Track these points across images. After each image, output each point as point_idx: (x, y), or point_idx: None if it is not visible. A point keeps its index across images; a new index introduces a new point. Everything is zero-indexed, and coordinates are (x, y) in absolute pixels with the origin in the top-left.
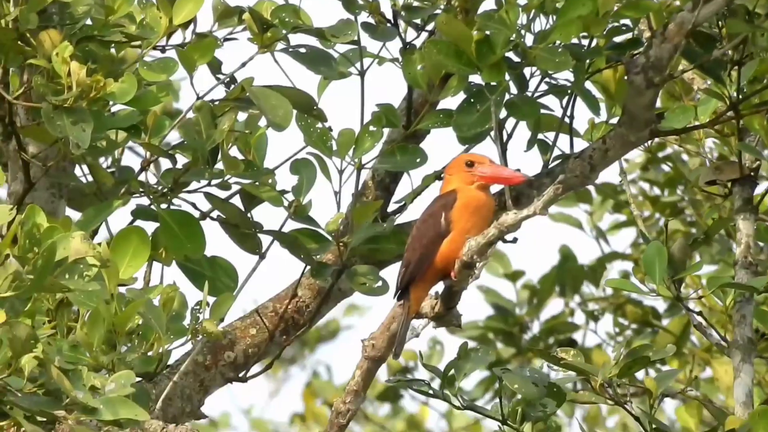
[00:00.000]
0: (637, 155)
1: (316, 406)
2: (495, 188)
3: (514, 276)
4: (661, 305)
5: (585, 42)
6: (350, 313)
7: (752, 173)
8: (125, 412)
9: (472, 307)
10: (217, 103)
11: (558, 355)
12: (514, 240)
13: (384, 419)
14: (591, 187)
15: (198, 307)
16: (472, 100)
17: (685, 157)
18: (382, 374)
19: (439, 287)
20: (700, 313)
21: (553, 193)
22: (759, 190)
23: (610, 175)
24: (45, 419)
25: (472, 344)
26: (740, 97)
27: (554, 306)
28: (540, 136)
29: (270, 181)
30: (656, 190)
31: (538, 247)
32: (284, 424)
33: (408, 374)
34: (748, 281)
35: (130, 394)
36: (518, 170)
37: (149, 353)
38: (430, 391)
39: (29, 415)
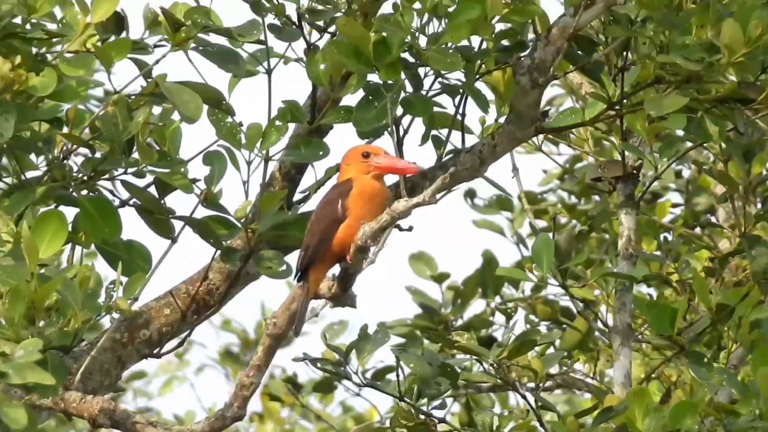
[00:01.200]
0: (553, 167)
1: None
2: (392, 179)
3: (440, 278)
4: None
5: (475, 44)
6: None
7: (634, 171)
8: (33, 377)
9: (401, 305)
10: (133, 97)
11: (453, 339)
12: (410, 228)
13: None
14: (514, 196)
15: (112, 286)
16: (370, 98)
17: None
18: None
19: (336, 270)
20: (583, 300)
21: (440, 183)
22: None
23: (530, 184)
24: None
25: (371, 328)
26: (623, 99)
27: (477, 306)
28: (434, 132)
29: (183, 170)
30: (573, 199)
31: (462, 252)
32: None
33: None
34: (628, 271)
35: (49, 363)
36: (413, 162)
37: (66, 328)
38: (333, 370)
39: None
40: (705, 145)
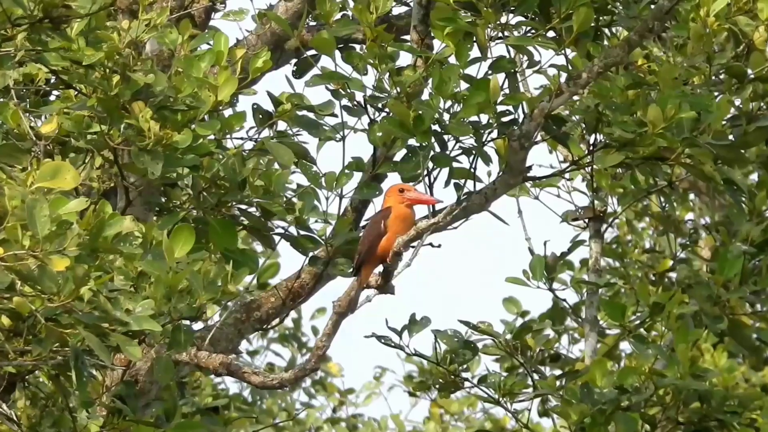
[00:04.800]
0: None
1: None
2: (422, 209)
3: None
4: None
5: (484, 120)
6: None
7: (601, 214)
8: (147, 325)
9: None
10: (246, 152)
11: (476, 324)
12: (439, 245)
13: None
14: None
15: (226, 276)
16: (409, 155)
17: None
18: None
19: (380, 269)
20: (564, 300)
21: (449, 209)
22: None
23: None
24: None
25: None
26: (580, 159)
27: None
28: (455, 181)
29: (280, 201)
30: None
31: None
32: None
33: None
34: (595, 280)
35: (181, 329)
36: (435, 197)
37: (193, 305)
38: (392, 344)
39: (87, 327)
40: (648, 198)
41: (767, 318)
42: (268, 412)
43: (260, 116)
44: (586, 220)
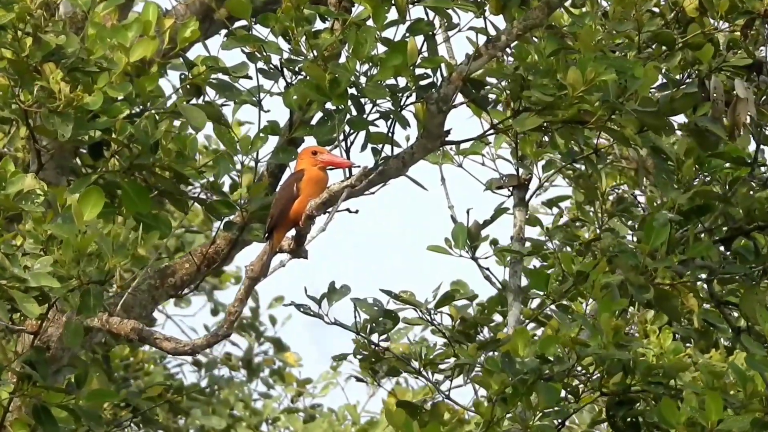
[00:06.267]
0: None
1: None
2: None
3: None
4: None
5: (402, 84)
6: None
7: (526, 182)
8: (45, 281)
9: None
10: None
11: (398, 294)
12: (356, 211)
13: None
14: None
15: (136, 239)
16: (325, 118)
17: None
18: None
19: (293, 233)
20: (487, 269)
21: (364, 171)
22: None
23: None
24: None
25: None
26: (500, 122)
27: None
28: (374, 145)
29: (195, 164)
30: None
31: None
32: None
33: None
34: (518, 248)
35: (91, 292)
36: (349, 160)
37: (103, 269)
38: (311, 312)
39: None
40: (572, 165)
41: (696, 289)
42: (224, 403)
43: (188, 86)
44: (511, 188)
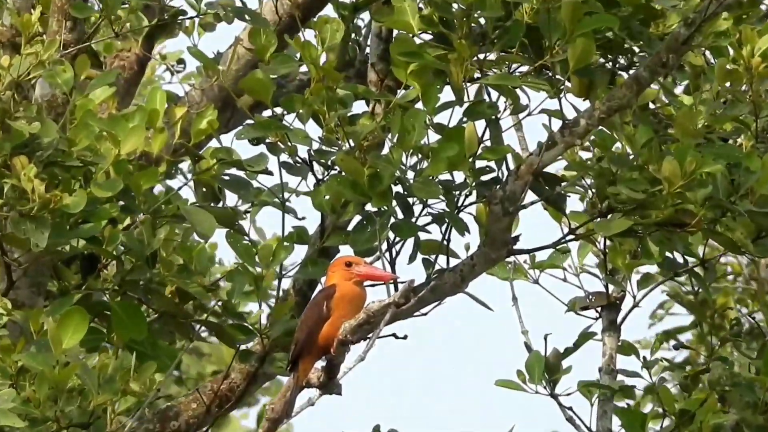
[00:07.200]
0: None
1: None
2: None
3: None
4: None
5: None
6: None
7: (617, 301)
8: (6, 421)
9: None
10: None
11: None
12: (405, 337)
13: None
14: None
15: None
16: (364, 222)
17: None
18: None
19: (322, 363)
20: (570, 408)
21: (409, 286)
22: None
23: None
24: None
25: None
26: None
27: None
28: (425, 256)
29: (203, 281)
30: None
31: None
32: None
33: None
34: (608, 383)
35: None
36: (395, 275)
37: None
38: None
39: None
40: (676, 280)
41: None
42: None
43: (203, 189)
44: (599, 309)
